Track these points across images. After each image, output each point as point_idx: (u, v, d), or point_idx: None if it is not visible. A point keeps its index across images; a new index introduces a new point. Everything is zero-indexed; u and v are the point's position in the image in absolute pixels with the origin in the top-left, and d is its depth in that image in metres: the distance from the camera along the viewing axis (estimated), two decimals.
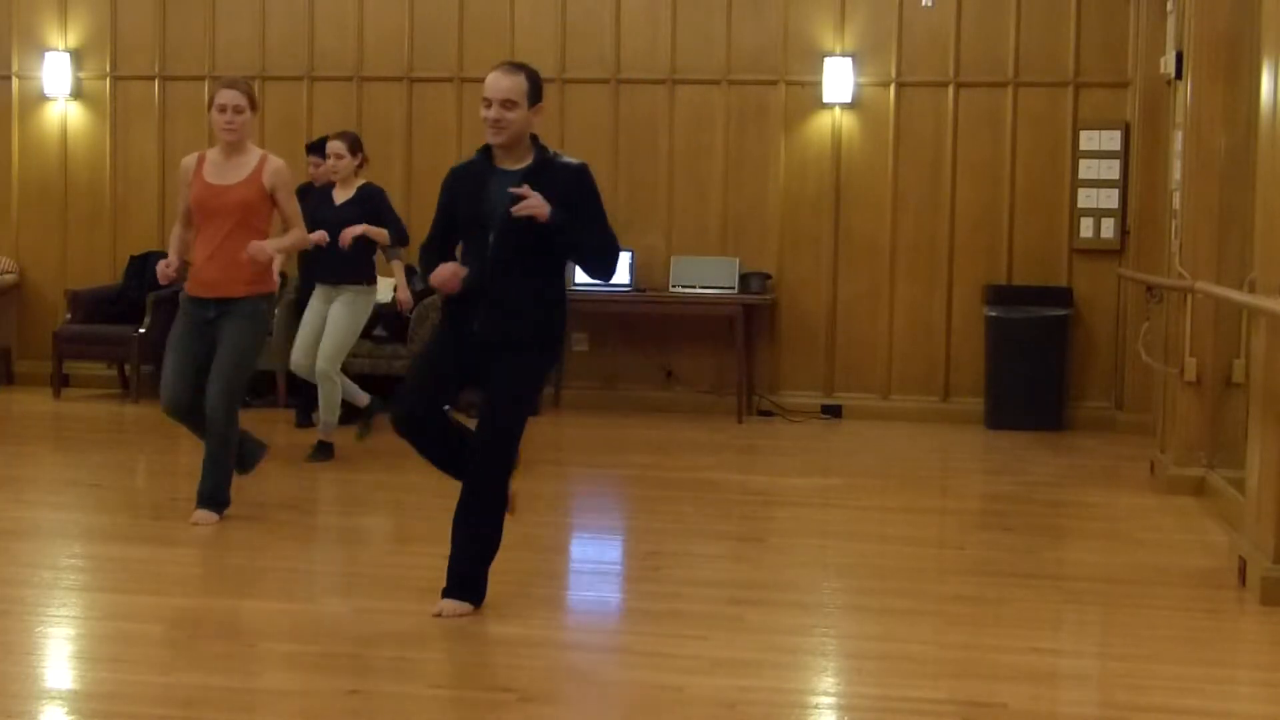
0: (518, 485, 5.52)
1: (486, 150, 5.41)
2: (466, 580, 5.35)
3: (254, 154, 6.84)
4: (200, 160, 6.81)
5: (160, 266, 6.69)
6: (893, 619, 5.50)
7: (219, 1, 11.32)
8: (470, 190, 5.39)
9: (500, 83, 5.35)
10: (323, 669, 4.76)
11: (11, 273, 11.50)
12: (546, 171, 5.34)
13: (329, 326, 8.39)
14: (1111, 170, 10.35)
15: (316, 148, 9.38)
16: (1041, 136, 10.51)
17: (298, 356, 8.51)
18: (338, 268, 8.45)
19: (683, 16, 10.84)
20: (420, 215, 10.83)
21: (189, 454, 9.48)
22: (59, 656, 5.04)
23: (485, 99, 5.34)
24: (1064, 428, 10.27)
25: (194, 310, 6.73)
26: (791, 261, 10.74)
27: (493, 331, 5.31)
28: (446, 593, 5.34)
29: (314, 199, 8.64)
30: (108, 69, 11.48)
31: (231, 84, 6.85)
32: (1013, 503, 7.88)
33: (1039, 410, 10.23)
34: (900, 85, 10.63)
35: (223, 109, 6.74)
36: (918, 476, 8.70)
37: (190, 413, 6.71)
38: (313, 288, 8.64)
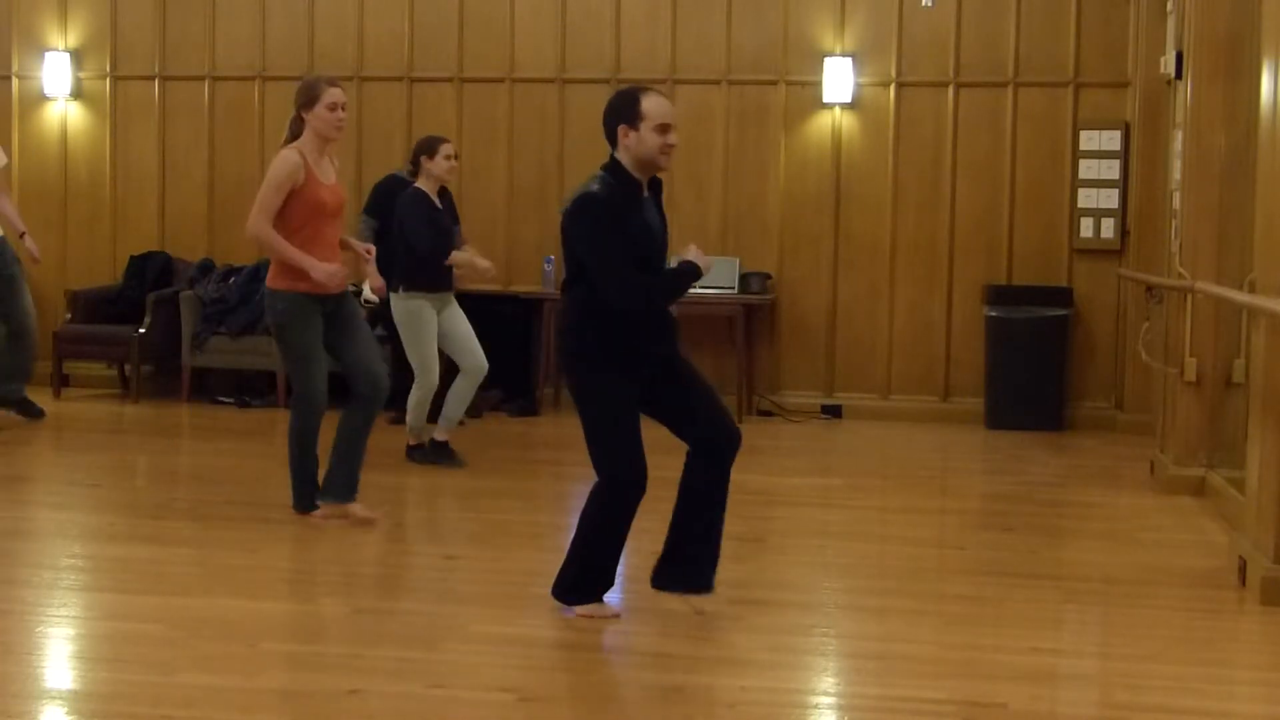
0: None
1: (623, 175, 5.23)
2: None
3: (326, 154, 6.86)
4: (304, 158, 6.68)
5: (333, 273, 6.61)
6: (893, 619, 5.50)
7: (219, 1, 11.32)
8: (640, 217, 5.27)
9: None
10: (323, 669, 4.76)
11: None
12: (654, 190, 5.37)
13: (466, 328, 8.39)
14: (1111, 170, 10.35)
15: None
16: (1041, 136, 10.51)
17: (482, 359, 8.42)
18: (450, 274, 8.47)
19: (683, 16, 10.84)
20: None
21: (189, 454, 9.52)
22: (59, 656, 5.04)
23: (665, 124, 5.18)
24: (1064, 428, 10.27)
25: (320, 307, 6.70)
26: (791, 261, 10.74)
27: (671, 348, 5.35)
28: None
29: (428, 204, 8.33)
30: (108, 69, 11.48)
31: (334, 82, 6.84)
32: (1013, 503, 7.88)
33: (1039, 410, 10.23)
34: (900, 85, 10.64)
35: (334, 107, 6.71)
36: (918, 476, 8.70)
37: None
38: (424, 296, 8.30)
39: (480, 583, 5.94)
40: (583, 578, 5.36)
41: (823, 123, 10.72)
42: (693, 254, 5.35)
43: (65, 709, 4.46)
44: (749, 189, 10.80)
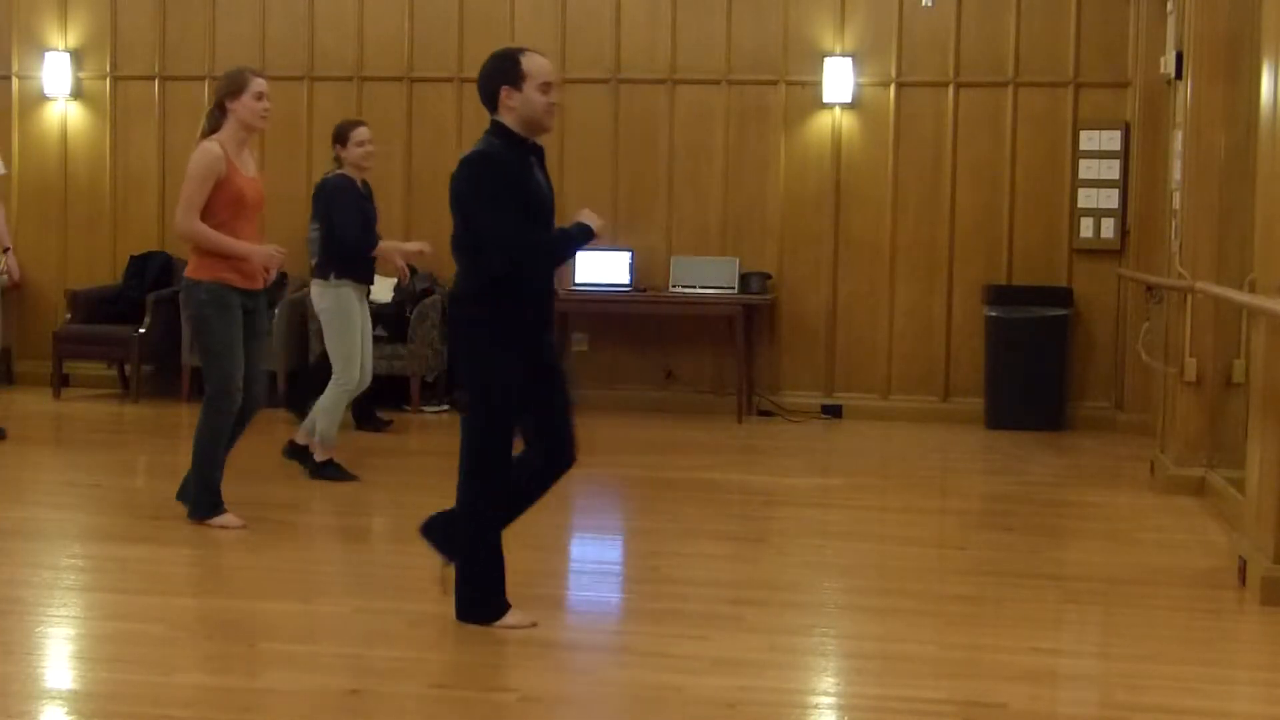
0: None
1: (510, 136, 5.11)
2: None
3: (247, 146, 6.82)
4: (225, 151, 6.63)
5: (272, 254, 6.58)
6: (893, 619, 5.50)
7: (219, 1, 11.32)
8: (530, 178, 5.16)
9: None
10: (323, 669, 4.76)
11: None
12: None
13: (369, 332, 8.09)
14: (1111, 170, 10.35)
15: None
16: (1041, 136, 10.51)
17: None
18: (373, 267, 8.18)
19: (683, 16, 10.84)
20: (419, 214, 10.87)
21: (189, 454, 9.48)
22: (59, 656, 5.04)
23: (548, 82, 5.08)
24: (1064, 428, 10.27)
25: (243, 302, 6.66)
26: (791, 261, 10.74)
27: (552, 337, 5.34)
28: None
29: (355, 192, 8.06)
30: (108, 69, 11.48)
31: (259, 73, 6.84)
32: (1013, 503, 7.88)
33: (1039, 410, 10.23)
34: (900, 85, 10.63)
35: (260, 96, 6.71)
36: (918, 476, 8.69)
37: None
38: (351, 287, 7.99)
39: None
40: (489, 588, 5.23)
41: (823, 123, 10.72)
42: (585, 215, 5.27)
43: (65, 709, 4.46)
44: (749, 189, 10.80)
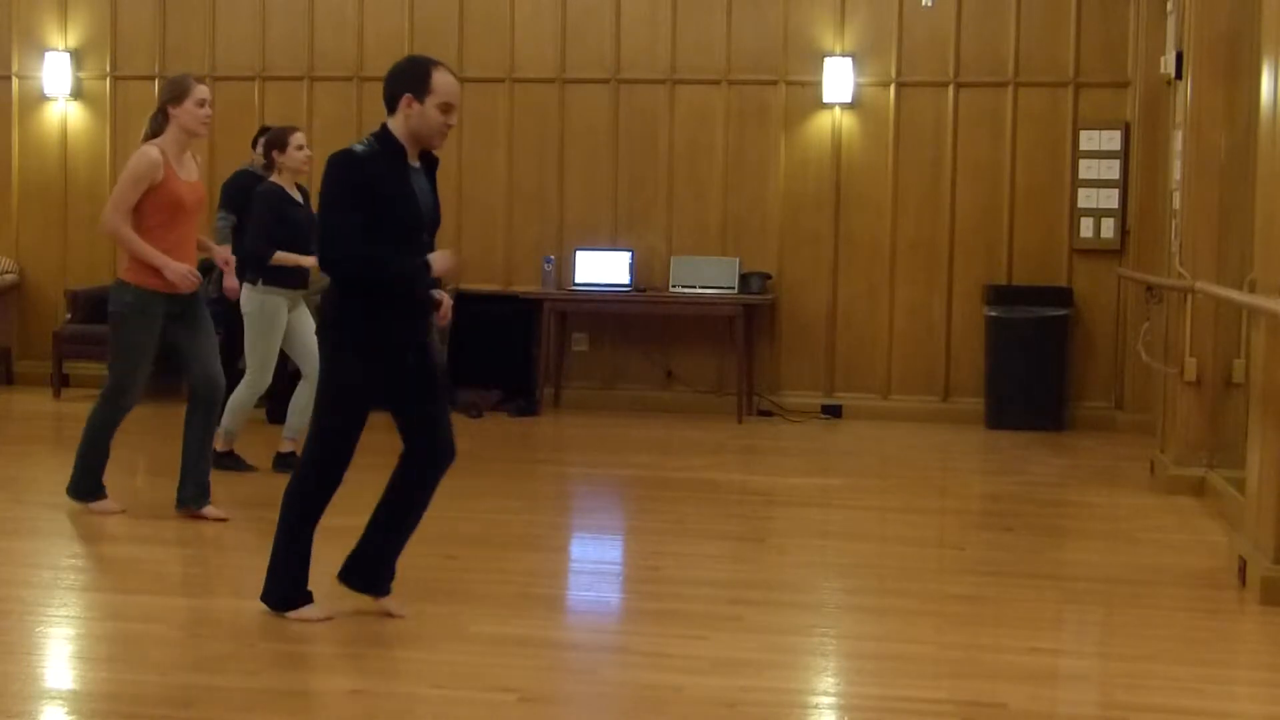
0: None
1: (390, 141, 5.07)
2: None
3: (188, 150, 6.86)
4: (164, 155, 6.67)
5: (185, 275, 6.64)
6: (893, 619, 5.50)
7: (219, 1, 11.32)
8: (404, 186, 5.09)
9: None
10: (323, 669, 4.76)
11: (11, 273, 11.50)
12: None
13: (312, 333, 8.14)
14: (1111, 170, 10.35)
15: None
16: (1041, 136, 10.51)
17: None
18: (306, 273, 8.11)
19: (683, 16, 10.84)
20: None
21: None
22: (59, 656, 5.04)
23: (450, 104, 5.07)
24: (1064, 428, 10.27)
25: (168, 309, 6.74)
26: (791, 261, 10.74)
27: (427, 336, 5.29)
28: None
29: (282, 200, 7.99)
30: (108, 69, 11.49)
31: (201, 80, 6.92)
32: (1013, 503, 7.88)
33: (1039, 410, 10.23)
34: (900, 85, 10.64)
35: (203, 103, 6.75)
36: (918, 476, 8.69)
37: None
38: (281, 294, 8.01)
39: (480, 583, 5.94)
40: (294, 577, 5.28)
41: (823, 123, 10.72)
42: (435, 256, 5.14)
43: (65, 709, 4.46)
44: (749, 189, 10.80)
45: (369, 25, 11.18)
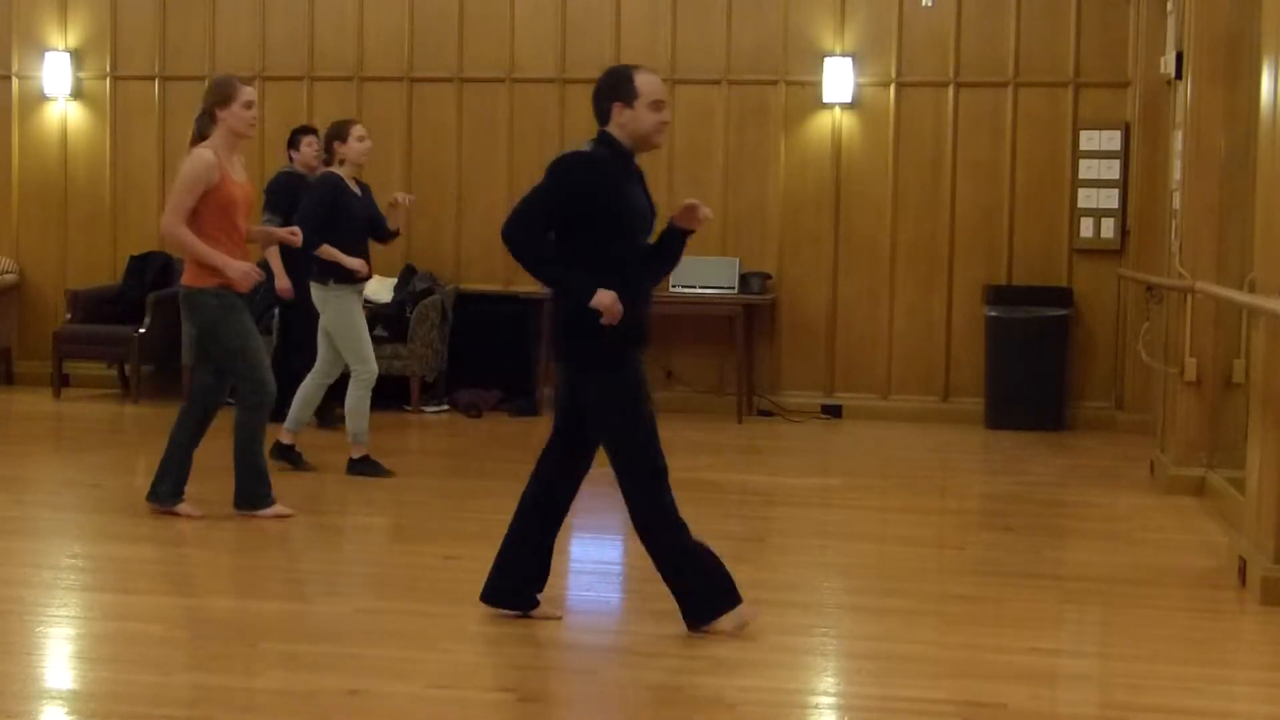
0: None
1: (617, 145, 5.10)
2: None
3: (237, 151, 6.87)
4: (218, 157, 6.69)
5: (246, 273, 6.63)
6: (893, 619, 5.50)
7: (219, 1, 11.32)
8: (633, 188, 5.14)
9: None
10: (323, 669, 4.76)
11: (11, 273, 11.50)
12: None
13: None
14: (1111, 170, 10.35)
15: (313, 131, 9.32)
16: (1041, 136, 10.51)
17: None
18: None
19: (683, 16, 10.84)
20: (419, 213, 10.86)
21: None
22: (59, 656, 5.04)
23: (661, 101, 5.09)
24: (1064, 428, 10.27)
25: (242, 301, 6.77)
26: (791, 261, 10.74)
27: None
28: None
29: (339, 191, 8.00)
30: (108, 69, 11.49)
31: (247, 81, 6.90)
32: (1013, 503, 7.88)
33: (1039, 410, 10.23)
34: (900, 85, 10.64)
35: (250, 105, 6.74)
36: (918, 476, 8.69)
37: None
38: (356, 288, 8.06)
39: (480, 583, 5.92)
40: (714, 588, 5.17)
41: (823, 123, 10.72)
42: (604, 293, 5.03)
43: (65, 709, 4.46)
44: (749, 189, 10.80)
45: (369, 25, 11.18)
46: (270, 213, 9.06)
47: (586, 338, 5.08)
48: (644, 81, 5.10)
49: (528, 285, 10.96)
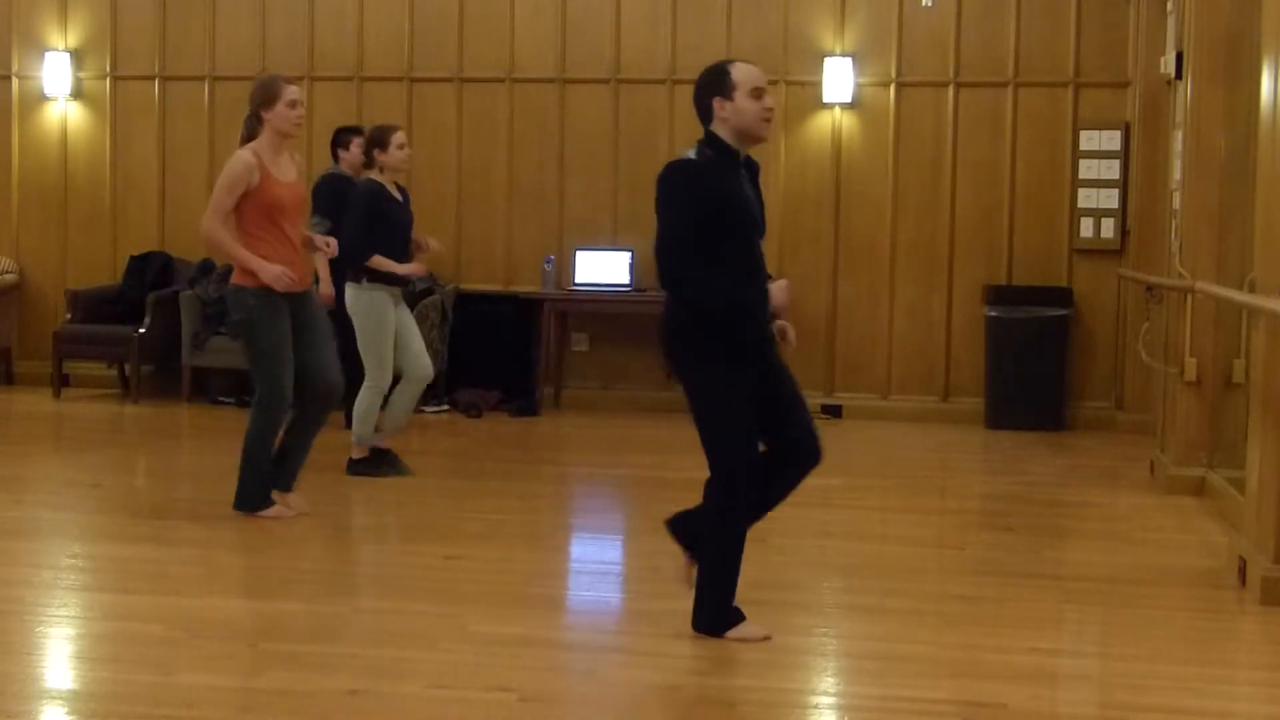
0: None
1: (721, 145, 5.04)
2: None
3: (286, 151, 6.84)
4: (259, 158, 6.66)
5: (279, 275, 6.58)
6: (893, 619, 5.50)
7: (219, 1, 11.32)
8: (737, 187, 5.09)
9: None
10: (323, 669, 4.76)
11: (11, 273, 11.50)
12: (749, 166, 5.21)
13: (416, 329, 8.08)
14: (1111, 170, 10.35)
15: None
16: (1041, 136, 10.51)
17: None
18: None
19: (683, 16, 10.84)
20: (420, 213, 10.82)
21: (189, 454, 9.52)
22: (59, 656, 5.04)
23: (761, 89, 5.02)
24: (1064, 428, 10.27)
25: (289, 306, 6.72)
26: (791, 261, 10.74)
27: (768, 334, 5.19)
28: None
29: (382, 198, 7.97)
30: (108, 69, 11.49)
31: (291, 80, 6.85)
32: (1013, 503, 7.88)
33: (1039, 410, 10.23)
34: (900, 85, 10.64)
35: (294, 104, 6.72)
36: (918, 476, 8.69)
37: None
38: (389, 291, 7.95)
39: (480, 583, 5.94)
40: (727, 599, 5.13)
41: (823, 123, 10.72)
42: (777, 287, 5.12)
43: (65, 709, 4.46)
44: None
45: (369, 25, 11.18)
46: (319, 216, 8.95)
47: (703, 339, 5.00)
48: (741, 71, 5.04)
49: (528, 285, 10.98)
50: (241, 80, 11.24)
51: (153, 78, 11.42)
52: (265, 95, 6.72)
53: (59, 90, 11.47)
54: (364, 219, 7.84)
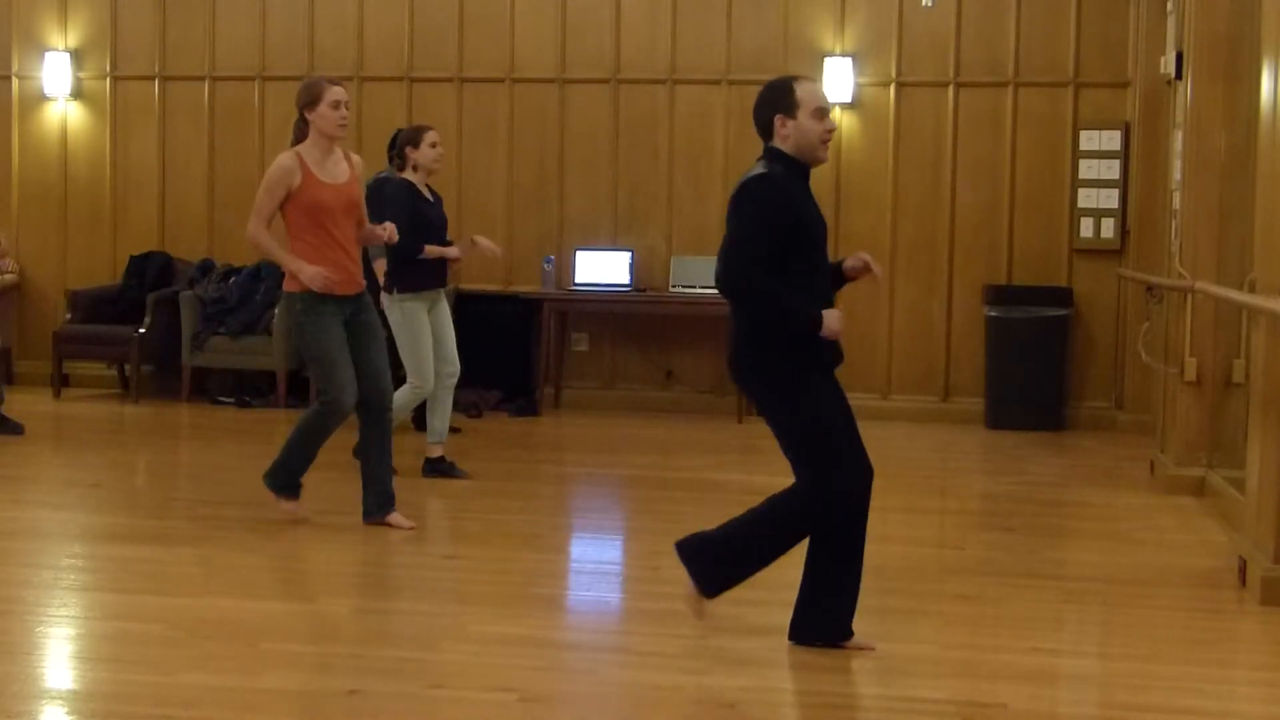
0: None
1: (788, 160, 5.07)
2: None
3: (338, 152, 6.80)
4: (301, 160, 6.64)
5: (315, 276, 6.51)
6: (893, 619, 5.50)
7: (219, 1, 11.32)
8: (811, 205, 5.07)
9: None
10: (323, 669, 4.76)
11: (11, 273, 11.50)
12: None
13: (450, 330, 8.15)
14: (1111, 170, 10.35)
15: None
16: (1041, 136, 10.51)
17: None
18: (443, 272, 8.15)
19: (683, 16, 10.84)
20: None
21: (189, 454, 9.52)
22: (59, 656, 5.04)
23: (824, 109, 5.02)
24: (1064, 428, 10.27)
25: (339, 309, 6.65)
26: None
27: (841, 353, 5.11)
28: None
29: (415, 197, 7.96)
30: (108, 69, 11.49)
31: (336, 81, 6.82)
32: (1013, 503, 7.88)
33: (1039, 410, 10.23)
34: (900, 85, 10.64)
35: (337, 105, 6.69)
36: (918, 476, 8.69)
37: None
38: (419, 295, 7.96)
39: (480, 583, 5.94)
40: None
41: None
42: (831, 315, 4.97)
43: (65, 709, 4.46)
44: None
45: (369, 25, 11.18)
46: (374, 220, 8.91)
47: (779, 357, 4.93)
48: (805, 91, 5.01)
49: (528, 285, 10.98)
50: (242, 80, 11.29)
51: (153, 78, 11.42)
52: (308, 97, 6.71)
53: (59, 90, 11.47)
54: (405, 218, 7.74)
